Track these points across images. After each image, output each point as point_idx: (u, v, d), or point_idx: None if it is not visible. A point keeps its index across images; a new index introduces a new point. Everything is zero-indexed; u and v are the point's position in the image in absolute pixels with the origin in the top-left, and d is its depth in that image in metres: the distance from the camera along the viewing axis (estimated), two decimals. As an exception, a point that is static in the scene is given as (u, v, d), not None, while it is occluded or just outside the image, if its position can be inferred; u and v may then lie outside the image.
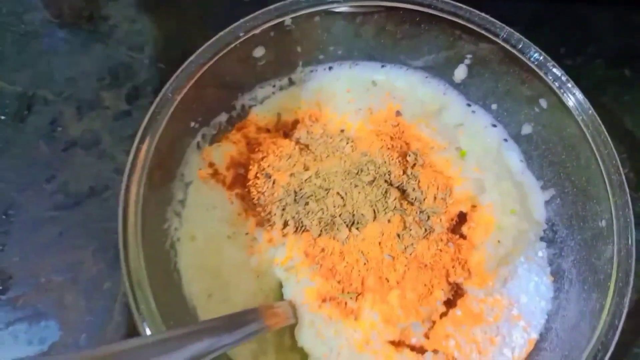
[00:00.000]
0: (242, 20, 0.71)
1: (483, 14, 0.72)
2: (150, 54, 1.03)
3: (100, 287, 0.88)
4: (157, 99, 0.66)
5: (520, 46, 0.71)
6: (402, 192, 0.72)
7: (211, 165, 0.75)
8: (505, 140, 0.80)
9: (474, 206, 0.72)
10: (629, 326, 0.86)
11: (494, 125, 0.80)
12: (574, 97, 0.68)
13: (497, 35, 0.71)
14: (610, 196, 0.64)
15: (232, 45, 0.70)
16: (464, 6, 0.72)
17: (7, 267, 0.89)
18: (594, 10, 1.08)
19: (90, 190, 0.94)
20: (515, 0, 1.04)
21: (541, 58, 0.70)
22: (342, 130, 0.80)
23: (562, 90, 0.69)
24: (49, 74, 1.03)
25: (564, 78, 0.69)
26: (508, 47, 0.71)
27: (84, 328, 0.84)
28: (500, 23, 0.72)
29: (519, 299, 0.70)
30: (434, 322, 0.69)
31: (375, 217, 0.69)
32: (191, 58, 0.68)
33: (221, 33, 0.70)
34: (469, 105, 0.82)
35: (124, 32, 1.05)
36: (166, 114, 0.66)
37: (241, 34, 0.71)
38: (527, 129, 0.77)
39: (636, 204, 0.90)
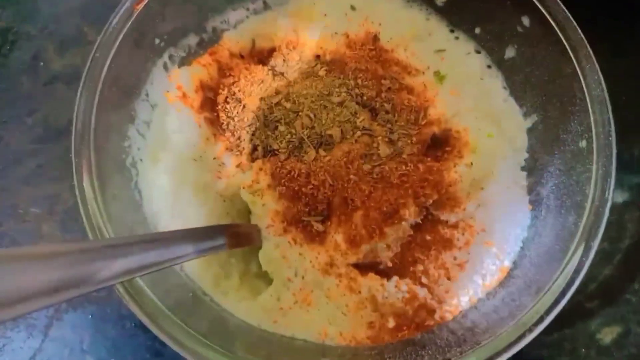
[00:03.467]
0: None
1: None
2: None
3: (77, 218, 0.87)
4: (117, 9, 0.64)
5: (501, -41, 0.66)
6: (374, 114, 0.69)
7: (179, 87, 0.73)
8: (489, 67, 0.75)
9: (448, 129, 0.69)
10: (620, 272, 0.84)
11: (478, 52, 0.76)
12: (555, 11, 0.64)
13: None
14: (590, 113, 0.60)
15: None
16: None
17: (-15, 198, 0.90)
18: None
19: (70, 124, 0.93)
20: None
21: (524, -29, 0.66)
22: (318, 56, 0.77)
23: (544, 4, 0.64)
24: (33, 10, 1.02)
25: (546, -9, 0.65)
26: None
27: (59, 259, 0.83)
28: None
29: (493, 225, 0.67)
30: (401, 247, 0.66)
31: (342, 138, 0.66)
32: (153, -31, 0.66)
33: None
34: (452, 31, 0.77)
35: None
36: (125, 24, 0.64)
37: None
38: (510, 52, 0.73)
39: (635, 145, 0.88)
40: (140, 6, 0.64)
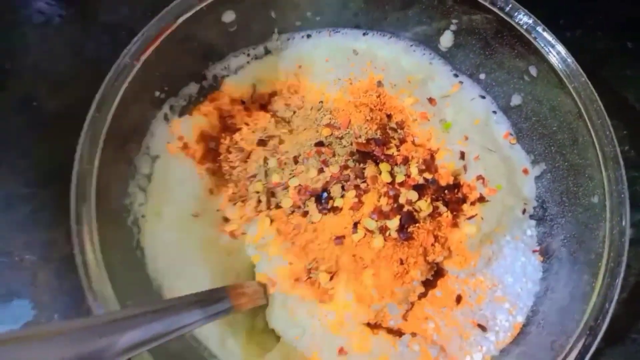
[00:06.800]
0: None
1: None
2: (131, 26, 0.98)
3: (74, 266, 0.85)
4: (115, 65, 0.62)
5: (507, 9, 0.65)
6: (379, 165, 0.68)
7: (180, 138, 0.71)
8: (494, 112, 0.75)
9: (457, 182, 0.68)
10: (626, 311, 0.83)
11: (483, 97, 0.75)
12: (565, 64, 0.63)
13: (484, -2, 0.66)
14: (603, 169, 0.59)
15: (198, 8, 0.65)
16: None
17: (-21, 244, 0.87)
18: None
19: (65, 167, 0.91)
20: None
21: (531, 22, 0.65)
22: (321, 102, 0.75)
23: (552, 56, 0.63)
24: (24, 47, 0.99)
25: (554, 42, 0.64)
26: (495, 9, 0.66)
27: (57, 307, 0.81)
28: (487, -16, 0.66)
29: (504, 280, 0.66)
30: (412, 304, 0.65)
31: (350, 193, 0.65)
32: (152, 22, 0.64)
33: (183, -6, 0.65)
34: (456, 75, 0.76)
35: (104, 3, 1.00)
36: (124, 81, 0.61)
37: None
38: (516, 100, 0.72)
39: (637, 182, 0.87)
40: (140, 62, 0.62)
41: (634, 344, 0.83)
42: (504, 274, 0.66)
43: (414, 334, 0.64)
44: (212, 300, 0.58)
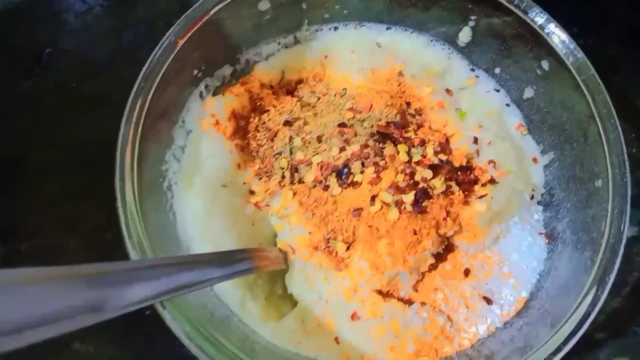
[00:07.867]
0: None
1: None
2: (168, 19, 1.04)
3: (102, 237, 0.90)
4: (160, 42, 0.68)
5: (523, 6, 0.71)
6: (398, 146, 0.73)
7: (213, 115, 0.76)
8: (508, 105, 0.79)
9: (470, 164, 0.72)
10: (628, 304, 0.87)
11: (497, 90, 0.80)
12: (574, 58, 0.68)
13: (500, -4, 0.72)
14: (607, 155, 0.64)
15: (237, -4, 0.71)
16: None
17: (13, 216, 0.92)
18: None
19: (99, 145, 0.96)
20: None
21: (544, 19, 0.70)
22: (345, 89, 0.81)
23: (563, 51, 0.68)
24: (66, 32, 1.05)
25: (565, 38, 0.69)
26: (511, 7, 0.71)
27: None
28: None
29: (511, 257, 0.70)
30: (423, 275, 0.69)
31: (369, 169, 0.70)
32: (195, 5, 0.70)
33: (226, -17, 0.71)
34: (472, 70, 0.82)
35: (143, -4, 1.06)
36: (168, 57, 0.67)
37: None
38: (529, 93, 0.77)
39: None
40: (183, 40, 0.68)
41: (635, 336, 0.86)
42: (511, 251, 0.70)
43: (423, 303, 0.68)
44: (235, 259, 0.63)
